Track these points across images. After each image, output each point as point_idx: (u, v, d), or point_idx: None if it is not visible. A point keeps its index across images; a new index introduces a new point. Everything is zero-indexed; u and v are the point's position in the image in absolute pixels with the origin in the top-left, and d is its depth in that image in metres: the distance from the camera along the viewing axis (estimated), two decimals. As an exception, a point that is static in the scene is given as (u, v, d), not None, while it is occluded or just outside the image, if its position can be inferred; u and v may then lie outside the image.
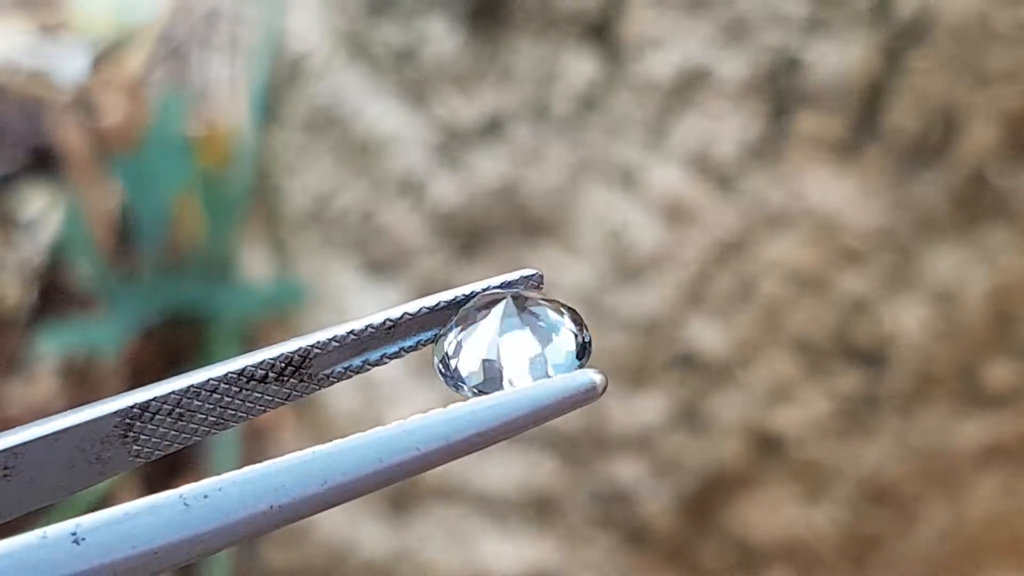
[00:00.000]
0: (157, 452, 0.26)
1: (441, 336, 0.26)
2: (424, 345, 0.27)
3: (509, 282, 0.27)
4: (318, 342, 0.26)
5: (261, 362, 0.26)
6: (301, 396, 0.27)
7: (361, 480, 0.24)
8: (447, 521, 0.73)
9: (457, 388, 0.26)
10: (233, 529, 0.23)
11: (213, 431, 0.26)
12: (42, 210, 0.87)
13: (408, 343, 0.27)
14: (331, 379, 0.27)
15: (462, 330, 0.26)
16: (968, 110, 0.64)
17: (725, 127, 0.66)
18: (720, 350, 0.68)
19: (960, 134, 0.65)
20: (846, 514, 0.70)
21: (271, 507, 0.23)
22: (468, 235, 0.70)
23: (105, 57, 0.92)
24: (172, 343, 0.80)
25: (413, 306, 0.27)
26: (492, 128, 0.69)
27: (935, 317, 0.67)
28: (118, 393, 0.26)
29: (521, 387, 0.25)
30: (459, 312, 0.26)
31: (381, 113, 0.72)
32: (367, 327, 0.27)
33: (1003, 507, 0.71)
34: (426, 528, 0.74)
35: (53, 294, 0.85)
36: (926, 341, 0.67)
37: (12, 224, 0.87)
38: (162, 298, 0.79)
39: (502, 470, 0.71)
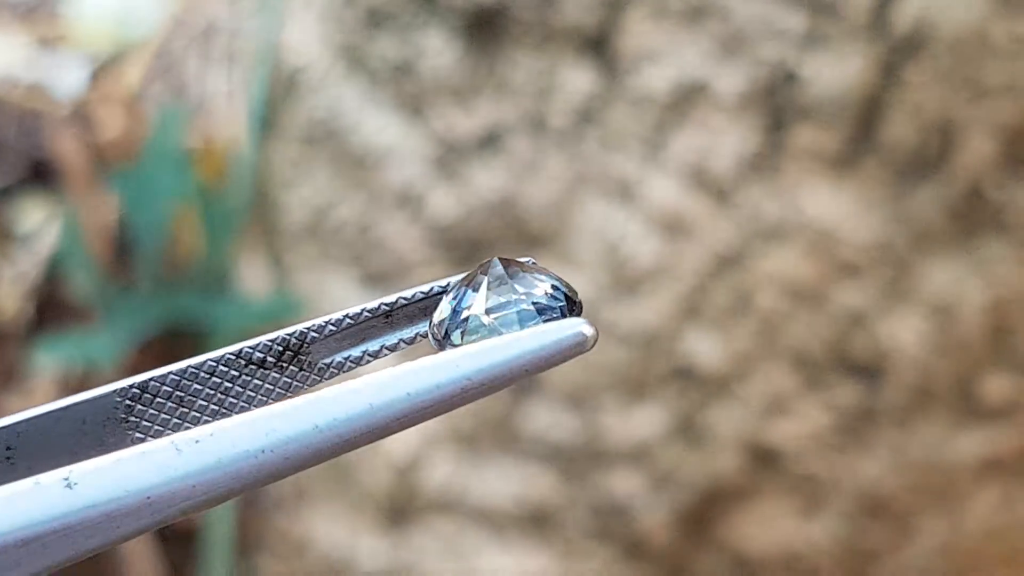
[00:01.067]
0: None
1: (433, 310, 0.27)
2: (423, 337, 0.27)
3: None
4: (314, 325, 0.26)
5: (258, 344, 0.26)
6: (302, 386, 0.27)
7: (353, 427, 0.24)
8: (445, 534, 0.73)
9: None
10: (226, 474, 0.23)
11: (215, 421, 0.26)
12: (40, 223, 0.87)
13: (406, 334, 0.27)
14: (331, 369, 0.27)
15: (451, 298, 0.26)
16: (965, 124, 0.64)
17: (722, 141, 0.66)
18: (717, 363, 0.68)
19: (957, 148, 0.65)
20: (844, 528, 0.70)
21: (263, 451, 0.23)
22: (466, 248, 0.70)
23: (103, 71, 0.92)
24: (170, 356, 0.80)
25: (408, 292, 0.27)
26: (490, 141, 0.69)
27: (932, 330, 0.67)
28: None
29: (510, 335, 0.24)
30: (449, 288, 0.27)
31: (379, 126, 0.72)
32: (363, 312, 0.27)
33: (1001, 520, 0.71)
34: (424, 541, 0.74)
35: (51, 307, 0.85)
36: (923, 354, 0.67)
37: (10, 237, 0.87)
38: (160, 311, 0.79)
39: (500, 483, 0.71)
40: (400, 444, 0.73)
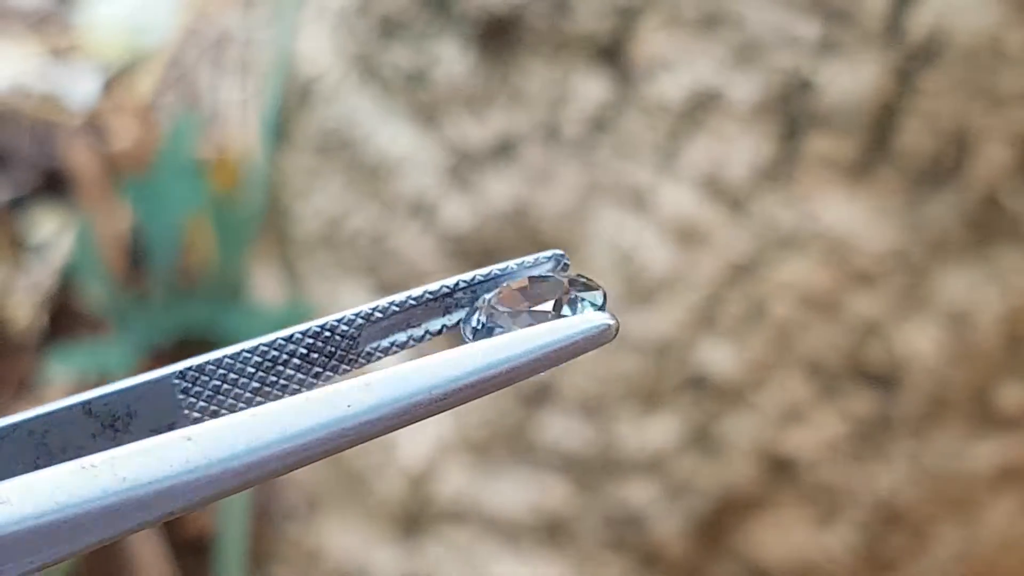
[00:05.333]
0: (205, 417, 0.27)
1: (467, 320, 0.28)
2: (451, 327, 0.28)
3: (537, 261, 0.28)
4: (363, 313, 0.27)
5: (308, 330, 0.27)
6: (349, 369, 0.28)
7: (380, 416, 0.25)
8: (459, 544, 0.73)
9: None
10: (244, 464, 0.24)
11: (257, 398, 0.27)
12: (53, 233, 0.87)
13: (450, 320, 0.28)
14: (378, 353, 0.28)
15: (482, 316, 0.28)
16: (980, 132, 0.64)
17: (736, 149, 0.66)
18: (732, 372, 0.67)
19: (972, 156, 0.65)
20: (859, 537, 0.70)
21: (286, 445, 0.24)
22: (479, 257, 0.70)
23: (116, 81, 0.93)
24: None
25: (451, 280, 0.28)
26: (503, 150, 0.69)
27: (948, 339, 0.67)
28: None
29: (533, 329, 0.26)
30: (489, 298, 0.28)
31: (392, 135, 0.72)
32: (408, 299, 0.28)
33: (1017, 530, 0.70)
34: (438, 552, 0.73)
35: (64, 317, 0.85)
36: (939, 363, 0.67)
37: (23, 247, 0.87)
38: (173, 321, 0.79)
39: (514, 493, 0.71)
40: (413, 454, 0.73)
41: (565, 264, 0.28)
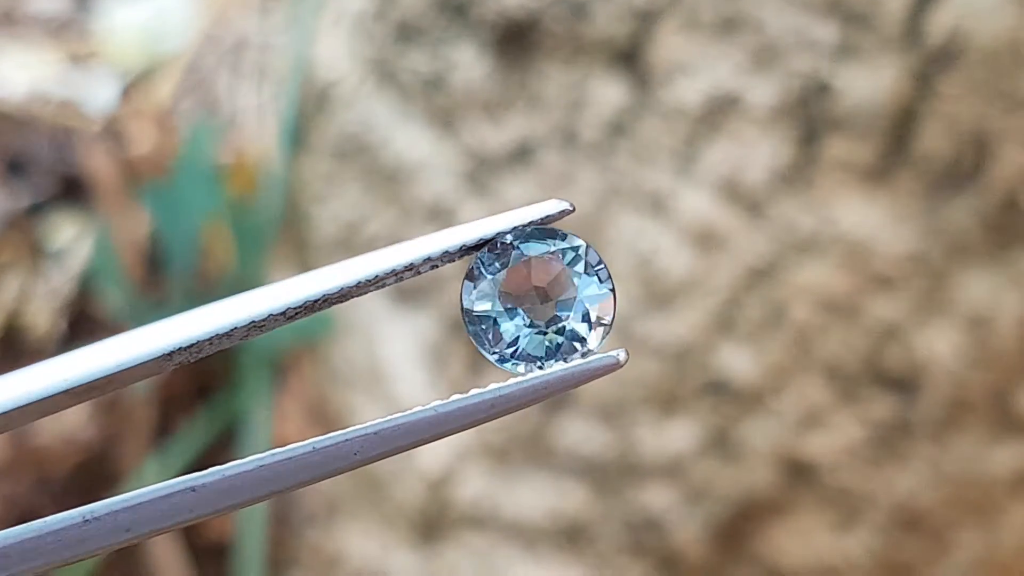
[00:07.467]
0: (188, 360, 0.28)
1: (469, 297, 0.28)
2: (452, 259, 0.28)
3: (542, 217, 0.28)
4: (360, 282, 0.27)
5: (304, 303, 0.28)
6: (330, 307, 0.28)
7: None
8: (478, 549, 0.73)
9: (497, 363, 0.28)
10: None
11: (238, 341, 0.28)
12: (72, 239, 0.87)
13: (442, 262, 0.29)
14: (366, 291, 0.28)
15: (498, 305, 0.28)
16: (1000, 135, 0.64)
17: (755, 153, 0.66)
18: (751, 376, 0.67)
19: (992, 159, 0.64)
20: (879, 541, 0.69)
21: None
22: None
23: (135, 86, 0.93)
24: (202, 371, 0.81)
25: (453, 242, 0.28)
26: (521, 155, 0.69)
27: (968, 343, 0.66)
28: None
29: (545, 372, 0.26)
30: (491, 273, 0.28)
31: (410, 140, 0.72)
32: (408, 265, 0.28)
33: (1038, 534, 0.70)
34: (457, 557, 0.73)
35: (83, 323, 0.85)
36: (959, 367, 0.67)
37: (42, 253, 0.87)
38: (191, 326, 0.79)
39: (532, 497, 0.71)
40: (432, 459, 0.73)
41: (569, 212, 0.28)
